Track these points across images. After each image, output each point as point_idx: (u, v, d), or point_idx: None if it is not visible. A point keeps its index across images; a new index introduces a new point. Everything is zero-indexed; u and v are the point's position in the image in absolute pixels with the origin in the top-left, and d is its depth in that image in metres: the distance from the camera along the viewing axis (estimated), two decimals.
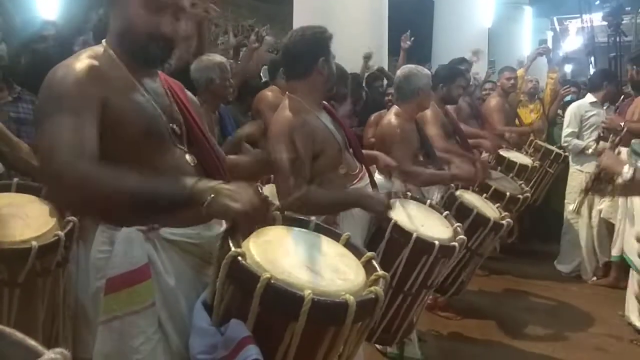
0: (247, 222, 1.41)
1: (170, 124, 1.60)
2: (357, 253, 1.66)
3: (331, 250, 1.61)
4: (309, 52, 2.35)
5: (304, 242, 1.59)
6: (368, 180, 2.58)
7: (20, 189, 2.00)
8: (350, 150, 2.55)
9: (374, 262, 1.61)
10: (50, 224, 1.83)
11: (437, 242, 2.39)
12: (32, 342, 0.69)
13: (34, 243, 1.69)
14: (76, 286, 1.85)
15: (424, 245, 2.40)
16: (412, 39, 6.15)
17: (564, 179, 5.24)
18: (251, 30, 9.80)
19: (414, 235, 2.39)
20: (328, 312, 1.35)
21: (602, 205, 4.73)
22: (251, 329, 1.36)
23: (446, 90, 3.99)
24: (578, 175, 5.07)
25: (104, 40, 1.59)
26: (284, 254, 1.47)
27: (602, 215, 4.63)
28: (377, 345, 3.29)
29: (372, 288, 1.46)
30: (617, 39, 8.34)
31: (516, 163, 4.63)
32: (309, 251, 1.55)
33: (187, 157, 1.63)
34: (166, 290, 1.53)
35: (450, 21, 9.32)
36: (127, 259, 1.49)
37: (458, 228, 2.64)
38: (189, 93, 1.79)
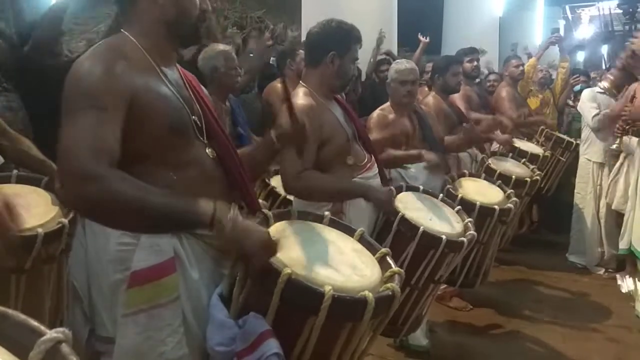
0: (253, 261, 1.39)
1: (193, 117, 1.58)
2: (372, 248, 1.68)
3: (347, 246, 1.63)
4: (322, 42, 2.40)
5: (320, 238, 1.60)
6: (376, 171, 2.58)
7: (20, 180, 2.01)
8: (360, 141, 2.56)
9: (389, 259, 1.63)
10: (53, 212, 1.84)
11: (444, 237, 2.36)
12: (34, 323, 0.70)
13: (40, 230, 1.70)
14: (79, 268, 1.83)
15: (431, 240, 2.38)
16: (428, 36, 6.12)
17: (574, 170, 5.19)
18: (260, 22, 9.81)
19: (421, 228, 2.37)
20: (348, 308, 1.37)
21: (609, 197, 4.65)
22: (270, 323, 1.37)
23: (442, 80, 3.96)
24: (587, 165, 5.01)
25: (123, 29, 1.56)
26: (302, 249, 1.49)
27: (613, 207, 4.56)
28: None
29: (388, 285, 1.48)
30: (633, 27, 8.23)
31: (527, 152, 4.58)
32: (326, 247, 1.57)
33: (207, 150, 1.62)
34: (190, 284, 1.53)
35: (461, 11, 9.24)
36: (154, 253, 1.48)
37: (469, 223, 2.59)
38: (202, 87, 1.78)
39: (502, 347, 3.55)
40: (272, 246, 1.39)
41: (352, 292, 1.38)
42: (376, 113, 3.33)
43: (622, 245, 4.23)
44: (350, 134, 2.47)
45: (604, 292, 4.47)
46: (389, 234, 2.42)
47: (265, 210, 1.68)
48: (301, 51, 4.39)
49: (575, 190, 5.15)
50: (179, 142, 1.53)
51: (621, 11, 8.66)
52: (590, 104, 4.91)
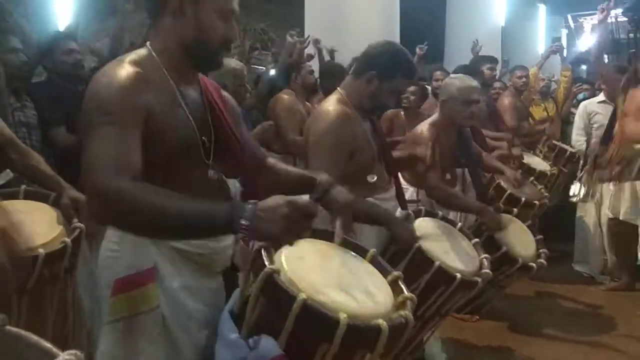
0: (285, 239, 1.36)
1: (202, 137, 1.57)
2: (383, 271, 1.63)
3: (360, 268, 1.60)
4: (371, 58, 2.37)
5: (334, 259, 1.57)
6: (394, 193, 2.55)
7: (28, 196, 2.02)
8: (383, 161, 2.52)
9: (401, 283, 1.59)
10: (57, 230, 1.85)
11: (458, 275, 2.26)
12: (47, 344, 0.71)
13: (41, 250, 1.70)
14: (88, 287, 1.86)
15: (445, 276, 2.27)
16: (426, 44, 6.11)
17: (575, 178, 5.19)
18: (264, 34, 9.85)
19: (437, 263, 2.26)
20: (361, 336, 1.34)
21: (612, 208, 4.62)
22: (283, 347, 1.34)
23: None
24: None
25: (148, 43, 1.56)
26: (316, 271, 1.46)
27: (622, 218, 4.52)
28: None
29: (402, 312, 1.45)
30: (638, 35, 8.16)
31: (535, 170, 4.56)
32: (339, 269, 1.53)
33: (210, 172, 1.62)
34: (170, 292, 1.53)
35: (463, 20, 9.24)
36: (134, 262, 1.50)
37: (485, 260, 2.48)
38: (224, 93, 1.78)
39: (508, 358, 3.51)
40: (301, 214, 1.31)
41: (366, 320, 1.35)
42: (428, 130, 3.09)
43: None
44: (376, 152, 2.42)
45: (611, 301, 4.43)
46: (403, 260, 2.30)
47: None
48: (307, 64, 4.41)
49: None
50: (184, 164, 1.53)
51: (626, 19, 8.58)
52: (577, 121, 5.01)
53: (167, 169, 1.49)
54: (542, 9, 12.48)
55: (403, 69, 2.37)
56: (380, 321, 1.35)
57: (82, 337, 1.90)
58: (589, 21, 12.07)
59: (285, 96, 4.13)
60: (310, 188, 1.72)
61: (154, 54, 1.52)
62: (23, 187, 2.05)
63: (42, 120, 3.16)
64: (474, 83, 3.15)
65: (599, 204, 4.86)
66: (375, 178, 2.37)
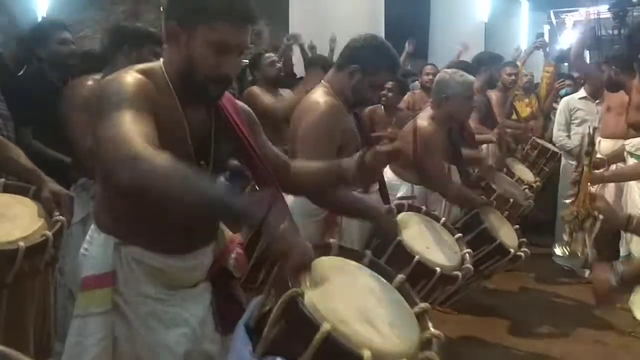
0: (288, 265, 1.33)
1: (200, 161, 1.58)
2: (411, 300, 1.56)
3: (386, 296, 1.52)
4: (354, 52, 2.36)
5: (360, 283, 1.50)
6: (377, 187, 2.56)
7: (8, 189, 1.98)
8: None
9: (427, 317, 1.51)
10: (38, 223, 1.82)
11: (438, 269, 2.27)
12: None
13: (21, 244, 1.67)
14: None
15: (424, 270, 2.27)
16: (414, 42, 6.12)
17: (556, 171, 5.27)
18: None
19: (416, 257, 2.27)
20: None
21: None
22: None
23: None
24: (570, 169, 5.03)
25: (162, 60, 1.57)
26: (341, 298, 1.37)
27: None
28: None
29: (427, 353, 1.37)
30: (622, 31, 8.21)
31: (524, 181, 4.57)
32: (365, 295, 1.46)
33: None
34: (128, 296, 1.58)
35: (447, 16, 9.28)
36: (97, 263, 1.57)
37: (467, 255, 2.50)
38: (240, 104, 1.77)
39: (489, 351, 3.55)
40: (308, 253, 1.32)
41: (390, 358, 1.28)
42: (430, 132, 3.05)
43: (623, 251, 4.26)
44: (360, 146, 2.40)
45: (590, 294, 4.43)
46: (384, 254, 2.31)
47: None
48: (267, 55, 4.32)
49: (559, 193, 5.20)
50: None
51: (610, 15, 8.62)
52: (558, 117, 5.08)
53: None
54: (524, 5, 12.57)
55: (386, 63, 2.36)
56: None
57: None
58: (571, 17, 12.16)
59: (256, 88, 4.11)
60: (337, 176, 1.74)
61: (164, 71, 1.54)
62: (2, 180, 2.02)
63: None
64: (472, 78, 3.20)
65: None
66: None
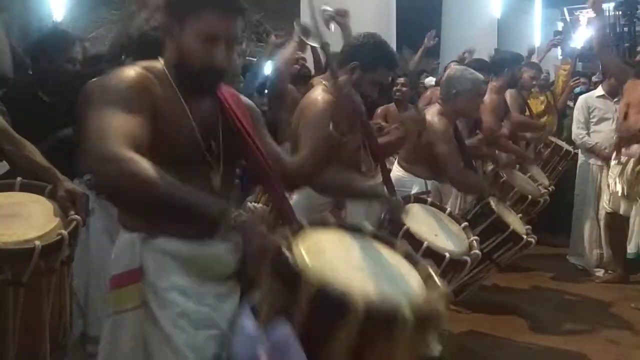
0: (254, 261, 1.40)
1: (210, 142, 1.61)
2: (416, 265, 1.53)
3: (389, 258, 1.53)
4: (353, 49, 2.42)
5: (358, 249, 1.51)
6: (380, 180, 2.58)
7: (24, 188, 2.01)
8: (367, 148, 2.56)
9: (435, 277, 1.48)
10: (53, 222, 1.84)
11: (447, 254, 2.32)
12: None
13: (37, 243, 1.70)
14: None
15: (433, 256, 2.26)
16: (436, 38, 6.07)
17: (572, 170, 5.21)
18: (259, 26, 9.81)
19: (425, 243, 2.32)
20: (381, 321, 1.26)
21: (612, 202, 4.62)
22: (299, 332, 1.28)
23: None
24: (586, 167, 5.03)
25: (161, 57, 1.61)
26: (339, 260, 1.41)
27: (621, 212, 4.50)
28: None
29: (429, 300, 1.35)
30: (633, 29, 8.15)
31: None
32: (365, 258, 1.48)
33: (215, 181, 1.63)
34: (159, 291, 1.56)
35: (459, 14, 9.22)
36: (123, 261, 1.56)
37: (474, 242, 2.55)
38: (244, 99, 1.79)
39: (503, 350, 3.53)
40: (271, 249, 1.36)
41: (388, 305, 1.26)
42: (443, 125, 3.12)
43: (630, 249, 4.23)
44: (360, 140, 2.47)
45: (604, 293, 4.45)
46: None
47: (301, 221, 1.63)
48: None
49: (575, 192, 5.16)
50: (182, 170, 1.52)
51: (620, 12, 8.56)
52: (577, 115, 5.01)
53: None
54: (537, 2, 12.44)
55: (385, 60, 2.44)
56: (401, 307, 1.26)
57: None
58: (585, 14, 12.05)
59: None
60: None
61: (164, 67, 1.58)
62: (19, 179, 2.04)
63: None
64: (481, 76, 3.25)
65: (597, 198, 4.88)
66: (364, 167, 2.46)
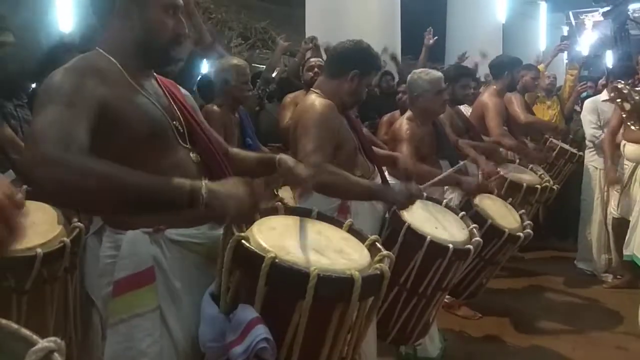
0: (240, 220, 1.44)
1: (173, 122, 1.61)
2: (361, 237, 1.69)
3: (335, 235, 1.64)
4: (350, 58, 2.45)
5: (307, 228, 1.61)
6: (380, 181, 2.60)
7: (28, 195, 2.00)
8: (363, 152, 2.59)
9: (378, 244, 1.63)
10: (56, 230, 1.85)
11: (451, 246, 2.36)
12: (26, 332, 0.71)
13: (39, 250, 1.70)
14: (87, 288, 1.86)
15: (437, 249, 2.37)
16: (436, 37, 6.06)
17: (579, 174, 5.18)
18: (264, 33, 9.85)
19: (428, 238, 2.37)
20: (334, 287, 1.36)
21: (620, 208, 4.58)
22: (259, 310, 1.37)
23: (451, 90, 3.92)
24: (593, 172, 5.01)
25: (97, 47, 1.58)
26: (288, 238, 1.50)
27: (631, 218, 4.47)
28: None
29: (377, 265, 1.48)
30: (626, 34, 8.10)
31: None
32: (312, 235, 1.57)
33: (191, 155, 1.63)
34: (173, 292, 1.55)
35: (464, 18, 9.25)
36: (133, 262, 1.51)
37: (474, 230, 2.59)
38: (183, 90, 1.80)
39: (512, 355, 3.51)
40: (255, 198, 1.38)
41: (339, 273, 1.38)
42: (406, 124, 3.28)
43: (627, 251, 4.19)
44: (357, 144, 2.52)
45: (613, 299, 4.42)
46: (396, 243, 2.41)
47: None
48: (311, 60, 4.40)
49: (582, 197, 5.14)
50: (159, 147, 1.54)
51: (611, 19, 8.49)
52: (589, 116, 5.01)
53: (140, 156, 1.48)
54: (543, 6, 12.45)
55: (375, 64, 2.55)
56: (353, 272, 1.37)
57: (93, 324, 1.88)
58: (591, 18, 12.01)
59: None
60: (271, 168, 1.77)
61: (105, 53, 1.55)
62: (25, 187, 2.04)
63: None
64: (439, 73, 3.35)
65: (604, 203, 4.85)
66: (361, 172, 2.47)
